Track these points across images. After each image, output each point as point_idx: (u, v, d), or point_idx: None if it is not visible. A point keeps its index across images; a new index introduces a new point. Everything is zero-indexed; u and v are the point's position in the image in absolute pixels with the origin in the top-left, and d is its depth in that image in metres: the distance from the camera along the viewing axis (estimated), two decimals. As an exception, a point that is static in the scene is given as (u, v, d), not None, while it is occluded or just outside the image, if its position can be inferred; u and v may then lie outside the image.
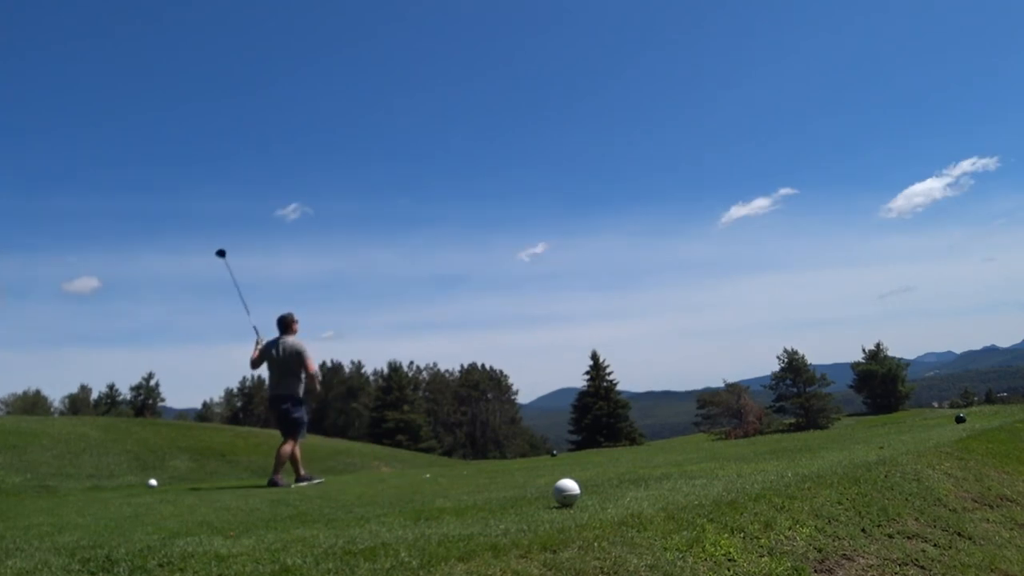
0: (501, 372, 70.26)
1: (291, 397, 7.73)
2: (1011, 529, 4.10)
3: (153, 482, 9.58)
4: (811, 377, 56.18)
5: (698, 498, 3.60)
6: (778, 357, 57.59)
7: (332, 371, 67.63)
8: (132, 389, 65.20)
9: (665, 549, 2.76)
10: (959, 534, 3.74)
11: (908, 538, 3.49)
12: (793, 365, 56.66)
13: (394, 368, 60.73)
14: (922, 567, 3.19)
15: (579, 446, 48.23)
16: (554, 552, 2.58)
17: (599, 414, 51.70)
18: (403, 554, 2.52)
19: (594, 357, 54.18)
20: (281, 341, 7.81)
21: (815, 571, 2.91)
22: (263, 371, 7.99)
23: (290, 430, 7.70)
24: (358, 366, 70.44)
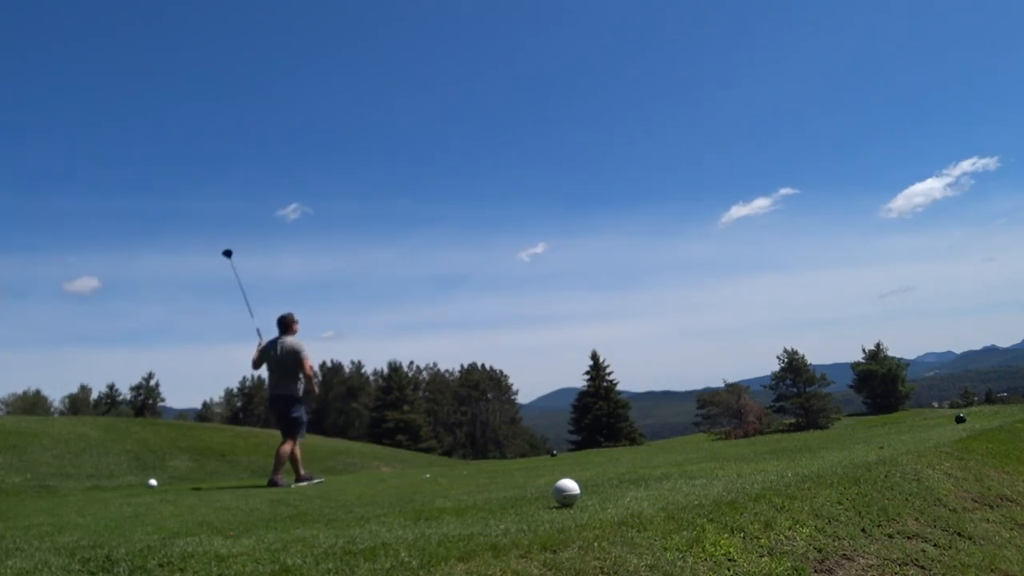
0: (501, 372, 70.35)
1: (290, 397, 7.74)
2: (1011, 529, 4.10)
3: (153, 482, 9.58)
4: (811, 377, 56.17)
5: (698, 498, 3.60)
6: (778, 357, 57.66)
7: (332, 371, 67.64)
8: (132, 389, 65.29)
9: (665, 549, 2.76)
10: (959, 534, 3.74)
11: (908, 538, 3.49)
12: (793, 365, 56.65)
13: (394, 368, 60.74)
14: (922, 567, 3.19)
15: (579, 446, 48.22)
16: (554, 552, 2.58)
17: (599, 414, 51.69)
18: (403, 554, 2.52)
19: (594, 357, 54.20)
20: (280, 341, 7.82)
21: (815, 571, 2.91)
22: (263, 371, 8.01)
23: (290, 430, 7.71)
24: (358, 366, 70.47)
